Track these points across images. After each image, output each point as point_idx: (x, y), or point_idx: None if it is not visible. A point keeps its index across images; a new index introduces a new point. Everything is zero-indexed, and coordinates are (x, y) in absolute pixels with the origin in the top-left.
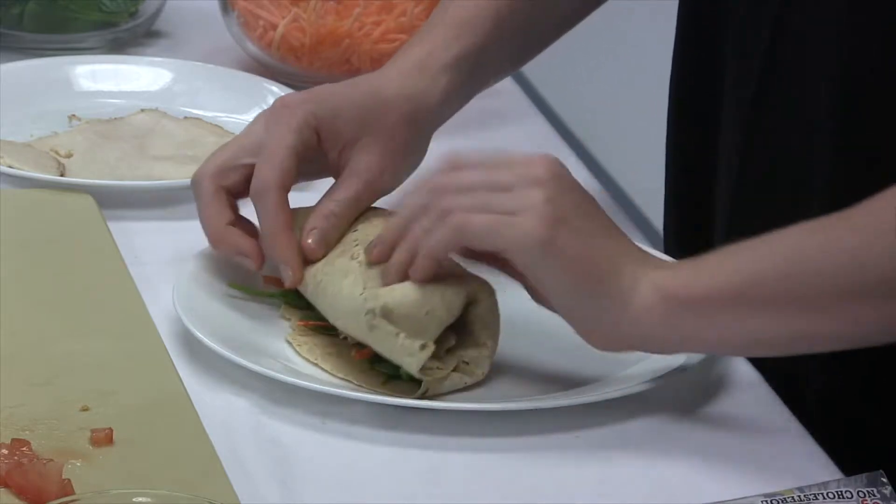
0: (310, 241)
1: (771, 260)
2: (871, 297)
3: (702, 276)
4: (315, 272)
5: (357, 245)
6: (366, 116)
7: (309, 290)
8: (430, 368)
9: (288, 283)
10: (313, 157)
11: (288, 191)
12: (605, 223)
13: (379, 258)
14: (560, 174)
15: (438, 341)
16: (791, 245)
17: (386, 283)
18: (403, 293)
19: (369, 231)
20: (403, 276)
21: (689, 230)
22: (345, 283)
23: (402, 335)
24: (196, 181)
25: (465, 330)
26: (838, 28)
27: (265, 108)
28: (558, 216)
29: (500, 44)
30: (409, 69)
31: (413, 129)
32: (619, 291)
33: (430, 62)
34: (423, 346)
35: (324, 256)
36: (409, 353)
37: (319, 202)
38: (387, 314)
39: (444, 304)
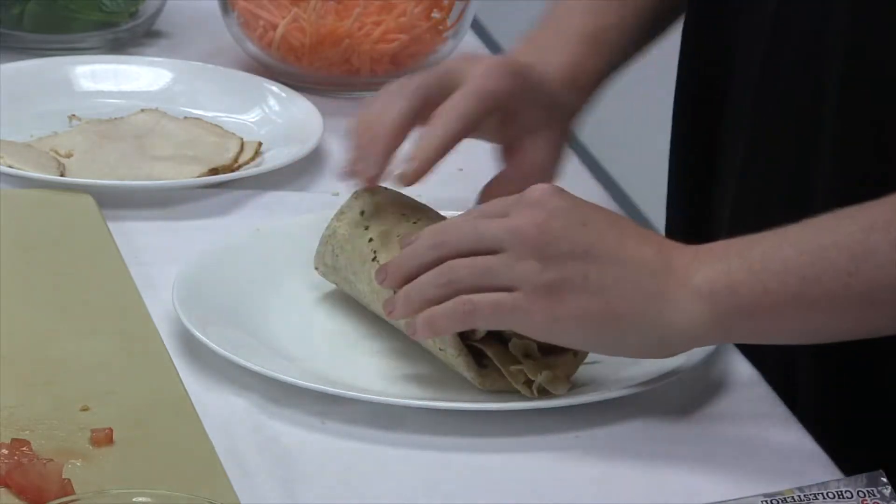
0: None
1: (824, 256)
2: None
3: (749, 278)
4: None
5: (371, 241)
6: (550, 111)
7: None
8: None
9: (405, 180)
10: (484, 119)
11: (463, 125)
12: (613, 245)
13: (385, 287)
14: (548, 213)
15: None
16: (843, 239)
17: (390, 316)
18: None
19: (381, 230)
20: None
21: (691, 231)
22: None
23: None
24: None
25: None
26: (839, 25)
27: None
28: (555, 283)
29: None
30: (564, 79)
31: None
32: (652, 323)
33: (580, 76)
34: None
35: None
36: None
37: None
38: None
39: None
